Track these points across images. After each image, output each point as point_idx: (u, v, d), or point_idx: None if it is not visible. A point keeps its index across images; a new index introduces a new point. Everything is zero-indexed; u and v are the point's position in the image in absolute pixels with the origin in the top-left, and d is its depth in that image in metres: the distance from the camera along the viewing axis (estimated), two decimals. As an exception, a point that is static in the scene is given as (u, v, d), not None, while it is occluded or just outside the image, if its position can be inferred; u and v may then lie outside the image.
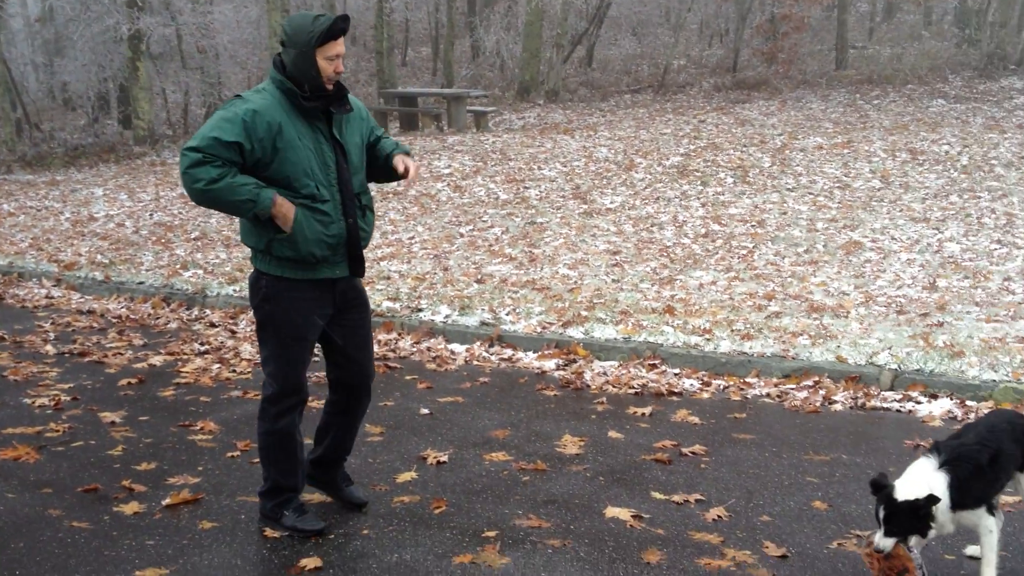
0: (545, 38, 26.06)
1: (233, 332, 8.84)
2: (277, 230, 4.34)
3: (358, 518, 4.88)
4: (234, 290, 9.95)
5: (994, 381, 6.69)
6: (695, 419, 6.41)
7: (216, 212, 14.46)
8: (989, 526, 4.07)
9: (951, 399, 6.62)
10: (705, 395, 6.98)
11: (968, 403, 6.53)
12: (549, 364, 7.68)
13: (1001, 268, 9.99)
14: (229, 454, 5.81)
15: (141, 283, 10.56)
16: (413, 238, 12.32)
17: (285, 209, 4.31)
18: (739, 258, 10.80)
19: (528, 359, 7.85)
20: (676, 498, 5.13)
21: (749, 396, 6.94)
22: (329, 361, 4.80)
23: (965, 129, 17.66)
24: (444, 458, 5.70)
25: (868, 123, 18.79)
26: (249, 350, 8.15)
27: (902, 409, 6.56)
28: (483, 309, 8.87)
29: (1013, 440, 4.19)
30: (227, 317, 9.34)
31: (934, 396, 6.68)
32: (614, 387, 7.12)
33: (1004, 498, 4.81)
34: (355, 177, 4.54)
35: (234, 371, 7.59)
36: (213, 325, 9.14)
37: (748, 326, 8.13)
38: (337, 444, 4.91)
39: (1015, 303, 8.74)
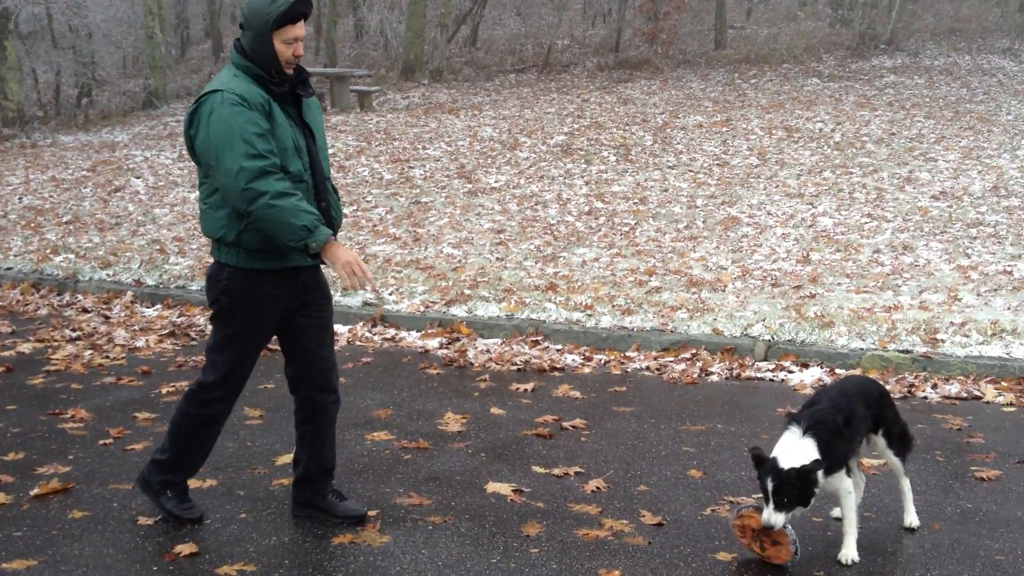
0: (429, 17, 25.92)
1: (107, 317, 8.59)
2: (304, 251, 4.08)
3: (235, 501, 4.80)
4: (107, 274, 9.67)
5: (861, 349, 6.93)
6: (576, 393, 6.48)
7: (91, 196, 14.03)
8: (848, 487, 4.23)
9: (821, 368, 6.84)
10: (586, 370, 7.06)
11: (837, 371, 6.76)
12: (432, 343, 7.67)
13: (871, 241, 10.34)
14: (101, 442, 5.65)
15: (9, 269, 10.18)
16: (295, 219, 12.13)
17: (343, 253, 4.08)
18: (621, 235, 10.94)
19: (411, 338, 7.83)
20: (556, 471, 5.18)
21: (629, 370, 7.05)
22: (287, 355, 4.55)
23: (838, 107, 18.21)
24: (325, 439, 5.64)
25: (746, 102, 19.21)
26: (123, 335, 7.93)
27: (775, 379, 6.76)
28: (366, 289, 8.80)
29: (864, 404, 4.37)
30: (100, 302, 9.07)
31: (805, 365, 6.90)
32: (497, 364, 7.16)
33: (869, 461, 5.00)
34: (324, 161, 4.37)
35: (107, 357, 7.39)
36: (86, 311, 8.87)
37: (629, 301, 8.25)
38: (317, 456, 4.56)
39: (883, 274, 9.06)
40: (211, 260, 4.39)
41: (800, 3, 32.98)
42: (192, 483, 4.95)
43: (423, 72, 24.86)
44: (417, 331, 7.96)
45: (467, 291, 8.65)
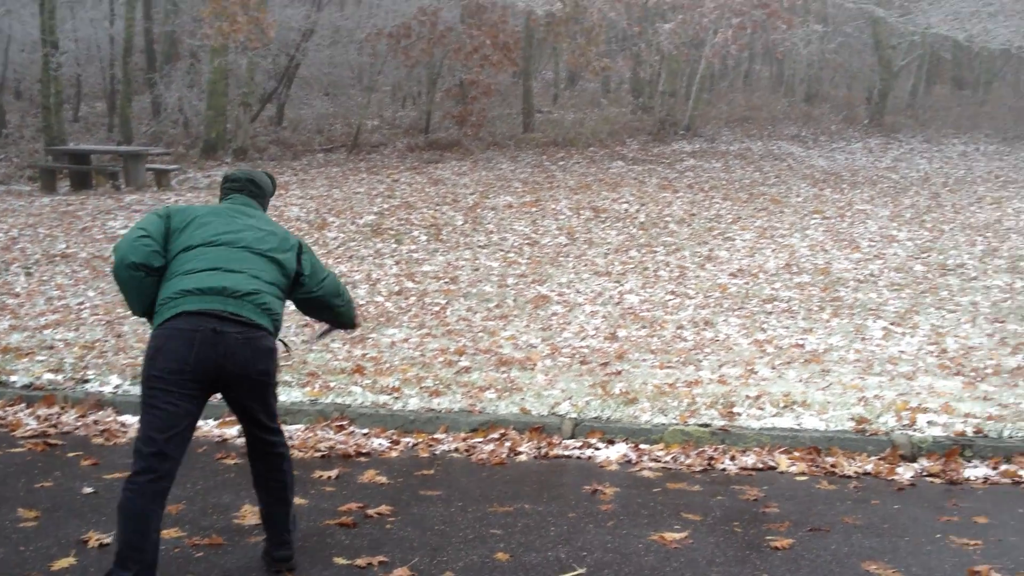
0: (231, 96, 25.48)
1: None
2: None
3: (0, 615, 4.35)
4: None
5: (664, 424, 7.00)
6: (383, 479, 6.26)
7: None
8: None
9: (626, 443, 6.86)
10: (394, 454, 6.85)
11: (642, 446, 6.79)
12: (231, 431, 7.30)
13: (674, 317, 10.59)
14: None
15: None
16: (83, 303, 11.50)
17: None
18: (432, 314, 10.84)
19: (208, 427, 7.43)
20: (360, 562, 4.94)
21: (437, 452, 6.88)
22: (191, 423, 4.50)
23: (642, 189, 18.82)
24: (108, 540, 5.21)
25: (555, 183, 19.62)
26: None
27: (582, 456, 6.72)
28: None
29: None
30: None
31: (611, 441, 6.90)
32: (299, 451, 6.85)
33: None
34: None
35: None
36: None
37: (437, 382, 8.12)
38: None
39: (686, 349, 9.26)
40: (256, 339, 4.50)
41: (604, 90, 34.26)
42: None
43: (226, 151, 24.31)
44: (214, 419, 7.56)
45: (270, 375, 8.31)
